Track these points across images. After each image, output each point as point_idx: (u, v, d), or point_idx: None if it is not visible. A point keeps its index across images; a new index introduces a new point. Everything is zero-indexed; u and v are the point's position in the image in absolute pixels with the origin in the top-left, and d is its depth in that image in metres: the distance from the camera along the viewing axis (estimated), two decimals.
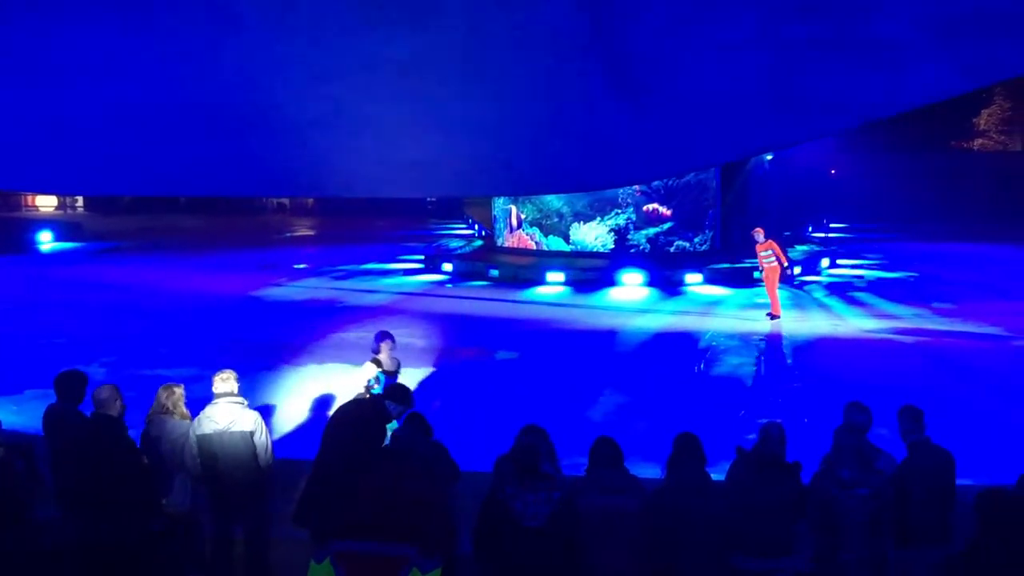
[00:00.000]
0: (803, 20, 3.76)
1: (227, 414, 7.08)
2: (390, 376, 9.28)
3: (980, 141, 55.37)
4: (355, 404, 7.03)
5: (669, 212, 25.78)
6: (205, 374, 7.75)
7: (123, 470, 6.38)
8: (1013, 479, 6.33)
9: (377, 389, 9.22)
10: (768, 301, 18.99)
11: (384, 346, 9.49)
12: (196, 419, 7.22)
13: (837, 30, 3.81)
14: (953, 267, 26.74)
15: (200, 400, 7.38)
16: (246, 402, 7.25)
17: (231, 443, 7.03)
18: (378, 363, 9.29)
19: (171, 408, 7.29)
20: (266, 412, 7.42)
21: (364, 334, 17.14)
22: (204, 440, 7.04)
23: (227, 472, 7.05)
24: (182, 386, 7.49)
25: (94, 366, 13.68)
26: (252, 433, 7.09)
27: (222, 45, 4.80)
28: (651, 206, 25.66)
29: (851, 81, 4.22)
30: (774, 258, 18.50)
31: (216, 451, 7.03)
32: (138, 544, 6.30)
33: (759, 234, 18.74)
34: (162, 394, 7.33)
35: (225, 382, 7.24)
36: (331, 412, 7.18)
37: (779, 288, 19.25)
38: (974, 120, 54.17)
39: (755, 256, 19.33)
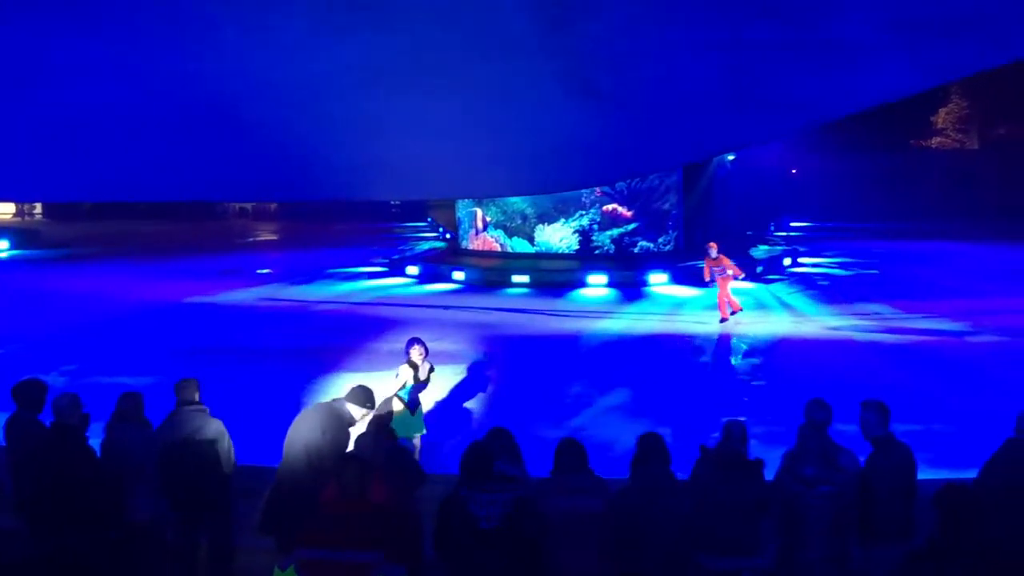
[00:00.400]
0: (763, 22, 3.79)
1: (189, 422, 7.00)
2: (420, 383, 9.41)
3: (938, 139, 56.10)
4: (315, 410, 6.97)
5: (630, 213, 25.87)
6: (166, 382, 7.64)
7: (84, 479, 6.29)
8: (975, 473, 6.42)
9: (403, 392, 9.33)
10: (725, 310, 18.94)
11: (415, 351, 9.53)
12: (158, 427, 7.13)
13: (797, 31, 3.85)
14: (913, 264, 27.09)
15: (162, 408, 7.28)
16: (208, 410, 7.17)
17: (194, 451, 6.94)
18: (414, 367, 9.39)
19: (132, 416, 7.18)
20: (230, 418, 7.34)
21: (330, 339, 17.10)
22: (166, 448, 6.95)
23: (190, 480, 6.95)
24: (142, 395, 7.38)
25: (53, 375, 13.46)
26: (215, 441, 7.01)
27: (188, 50, 4.75)
28: (611, 206, 25.73)
29: (811, 81, 4.27)
30: (723, 269, 18.79)
31: (178, 459, 6.93)
32: (100, 553, 6.22)
33: (712, 249, 18.93)
34: (123, 402, 7.23)
35: (187, 390, 7.15)
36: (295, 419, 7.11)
37: (741, 286, 19.48)
38: (932, 119, 54.89)
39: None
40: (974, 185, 44.58)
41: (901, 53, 3.74)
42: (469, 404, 12.69)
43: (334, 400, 7.04)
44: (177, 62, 4.95)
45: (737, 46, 3.96)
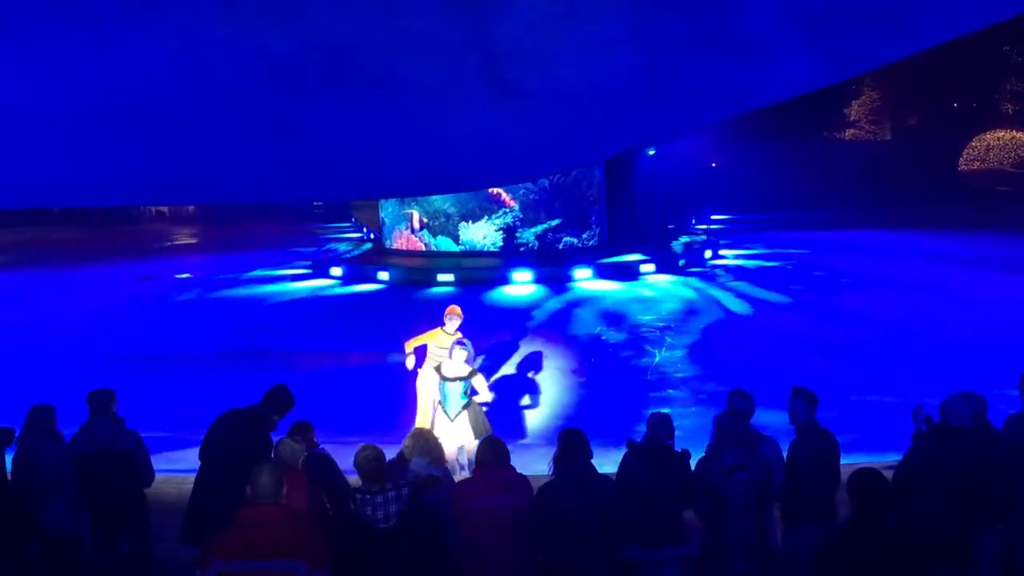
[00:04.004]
0: (673, 17, 3.83)
1: (105, 432, 6.82)
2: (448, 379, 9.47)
3: (851, 131, 57.56)
4: (231, 415, 6.81)
5: (515, 204, 25.71)
6: (79, 392, 7.41)
7: None
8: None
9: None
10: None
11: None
12: (71, 438, 6.94)
13: (706, 26, 3.89)
14: (825, 254, 27.73)
15: (76, 419, 7.08)
16: (123, 420, 6.99)
17: (110, 462, 6.77)
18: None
19: (44, 428, 6.97)
20: (148, 428, 7.18)
21: (251, 343, 16.83)
22: (82, 460, 6.77)
23: (107, 492, 6.78)
24: (54, 407, 7.16)
25: None
26: (132, 451, 6.85)
27: (96, 51, 4.60)
28: (495, 190, 25.46)
29: (722, 74, 4.32)
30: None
31: (95, 471, 6.76)
32: (15, 569, 6.03)
33: (453, 319, 10.12)
34: (33, 414, 7.00)
35: (102, 399, 6.97)
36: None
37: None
38: (845, 111, 56.27)
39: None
40: (886, 175, 45.84)
41: (807, 46, 3.81)
42: (395, 402, 12.57)
43: (251, 406, 6.89)
44: (85, 64, 4.80)
45: (646, 41, 3.98)
